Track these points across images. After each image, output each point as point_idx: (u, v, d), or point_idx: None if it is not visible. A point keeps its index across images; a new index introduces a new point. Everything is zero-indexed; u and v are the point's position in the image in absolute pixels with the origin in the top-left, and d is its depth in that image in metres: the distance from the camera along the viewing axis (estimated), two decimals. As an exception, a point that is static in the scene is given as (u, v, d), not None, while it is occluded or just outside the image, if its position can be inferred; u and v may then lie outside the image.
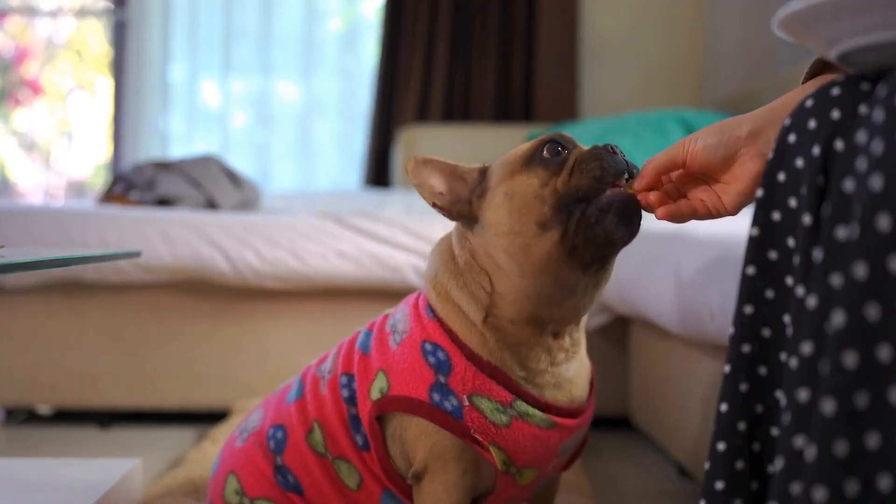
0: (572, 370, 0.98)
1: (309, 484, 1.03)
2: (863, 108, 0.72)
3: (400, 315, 1.02)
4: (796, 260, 0.77)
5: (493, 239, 0.92)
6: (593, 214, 0.88)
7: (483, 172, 0.97)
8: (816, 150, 0.75)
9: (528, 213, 0.90)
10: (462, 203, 0.96)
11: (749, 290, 0.85)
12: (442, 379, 0.93)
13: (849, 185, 0.66)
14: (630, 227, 0.89)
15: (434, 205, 0.97)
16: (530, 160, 0.92)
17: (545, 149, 0.92)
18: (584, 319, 1.00)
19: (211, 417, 2.10)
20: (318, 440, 1.02)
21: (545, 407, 0.95)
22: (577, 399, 0.99)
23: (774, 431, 0.84)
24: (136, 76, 3.56)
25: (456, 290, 0.96)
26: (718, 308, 1.19)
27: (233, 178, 2.43)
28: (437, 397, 0.92)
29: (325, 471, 1.02)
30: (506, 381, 0.93)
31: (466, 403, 0.92)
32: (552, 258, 0.90)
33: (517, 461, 0.94)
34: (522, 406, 0.93)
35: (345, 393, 1.00)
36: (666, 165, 0.88)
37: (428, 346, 0.95)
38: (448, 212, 0.97)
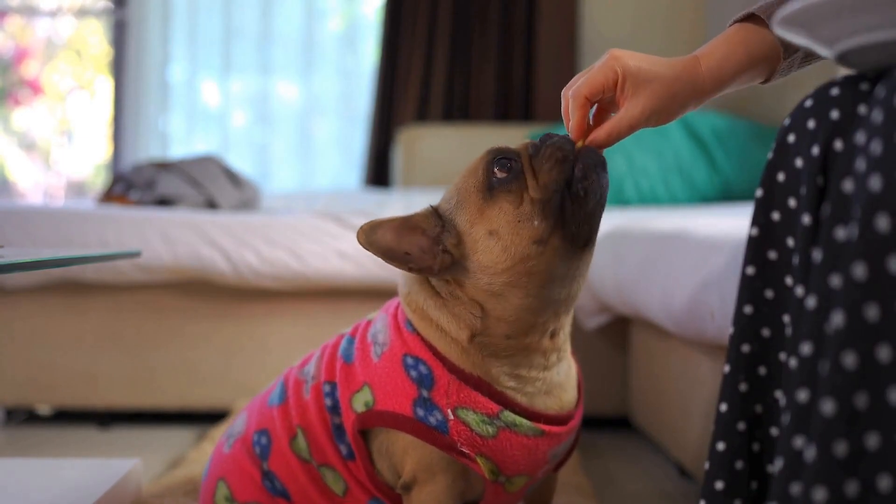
0: (562, 373, 0.97)
1: (295, 490, 1.02)
2: (862, 109, 0.72)
3: (380, 325, 0.99)
4: (796, 260, 0.77)
5: (491, 279, 0.89)
6: (580, 188, 0.87)
7: (437, 214, 0.93)
8: (816, 151, 0.75)
9: (521, 238, 0.87)
10: (439, 255, 0.91)
11: (749, 290, 0.85)
12: (425, 393, 0.91)
13: (848, 185, 0.66)
14: (606, 172, 0.90)
15: (411, 269, 0.92)
16: (489, 189, 0.89)
17: (495, 171, 0.89)
18: (572, 312, 0.98)
19: (211, 417, 2.10)
20: (302, 446, 1.01)
21: (533, 415, 0.93)
22: (566, 405, 0.97)
23: (774, 431, 0.84)
24: (135, 76, 3.55)
25: (434, 310, 0.94)
26: (718, 308, 1.19)
27: (233, 177, 2.43)
28: (421, 412, 0.91)
29: (310, 477, 1.01)
30: (492, 392, 0.92)
31: (451, 417, 0.91)
32: (557, 260, 0.88)
33: (506, 470, 0.93)
34: (509, 416, 0.92)
35: (328, 402, 0.99)
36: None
37: (409, 360, 0.93)
38: (429, 270, 0.91)
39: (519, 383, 0.93)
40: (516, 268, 0.88)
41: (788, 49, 0.89)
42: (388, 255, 0.91)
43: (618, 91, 0.89)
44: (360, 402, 0.95)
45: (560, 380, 0.97)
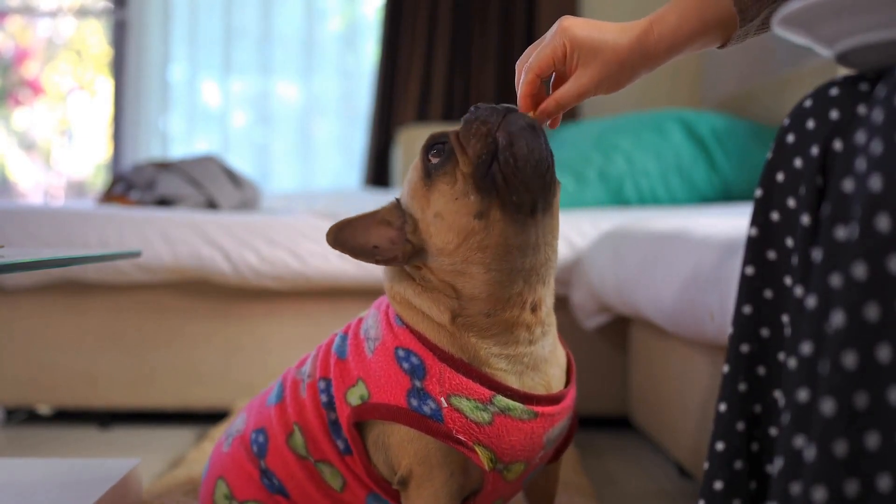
0: (547, 348, 0.97)
1: (293, 486, 1.03)
2: (861, 109, 0.72)
3: (372, 321, 1.01)
4: (795, 260, 0.77)
5: (448, 258, 0.92)
6: (507, 156, 0.87)
7: (399, 206, 0.97)
8: (815, 151, 0.75)
9: (460, 215, 0.89)
10: (403, 244, 0.94)
11: (748, 290, 0.85)
12: (418, 383, 0.92)
13: (848, 185, 0.66)
14: (539, 135, 0.90)
15: (378, 261, 0.95)
16: (427, 176, 0.92)
17: (429, 157, 0.92)
18: (553, 286, 0.98)
19: (211, 417, 2.10)
20: (298, 443, 1.02)
21: (525, 398, 0.94)
22: (554, 384, 0.98)
23: (773, 431, 0.84)
24: (136, 76, 3.55)
25: (415, 297, 0.95)
26: (718, 308, 1.19)
27: (233, 177, 2.43)
28: (415, 402, 0.92)
29: (308, 473, 1.02)
30: (482, 377, 0.92)
31: (445, 405, 0.91)
32: (506, 231, 0.89)
33: (504, 457, 0.93)
34: (503, 401, 0.92)
35: (323, 398, 1.00)
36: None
37: (401, 353, 0.94)
38: (395, 259, 0.95)
39: (509, 363, 0.94)
40: (466, 244, 0.90)
41: (745, 16, 0.88)
42: (357, 251, 0.95)
43: (567, 61, 0.91)
44: (356, 395, 0.96)
45: (545, 355, 0.97)
